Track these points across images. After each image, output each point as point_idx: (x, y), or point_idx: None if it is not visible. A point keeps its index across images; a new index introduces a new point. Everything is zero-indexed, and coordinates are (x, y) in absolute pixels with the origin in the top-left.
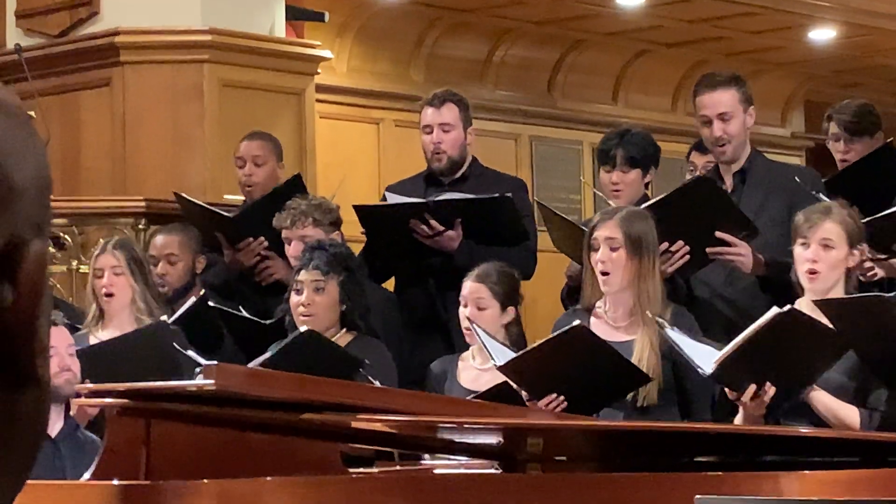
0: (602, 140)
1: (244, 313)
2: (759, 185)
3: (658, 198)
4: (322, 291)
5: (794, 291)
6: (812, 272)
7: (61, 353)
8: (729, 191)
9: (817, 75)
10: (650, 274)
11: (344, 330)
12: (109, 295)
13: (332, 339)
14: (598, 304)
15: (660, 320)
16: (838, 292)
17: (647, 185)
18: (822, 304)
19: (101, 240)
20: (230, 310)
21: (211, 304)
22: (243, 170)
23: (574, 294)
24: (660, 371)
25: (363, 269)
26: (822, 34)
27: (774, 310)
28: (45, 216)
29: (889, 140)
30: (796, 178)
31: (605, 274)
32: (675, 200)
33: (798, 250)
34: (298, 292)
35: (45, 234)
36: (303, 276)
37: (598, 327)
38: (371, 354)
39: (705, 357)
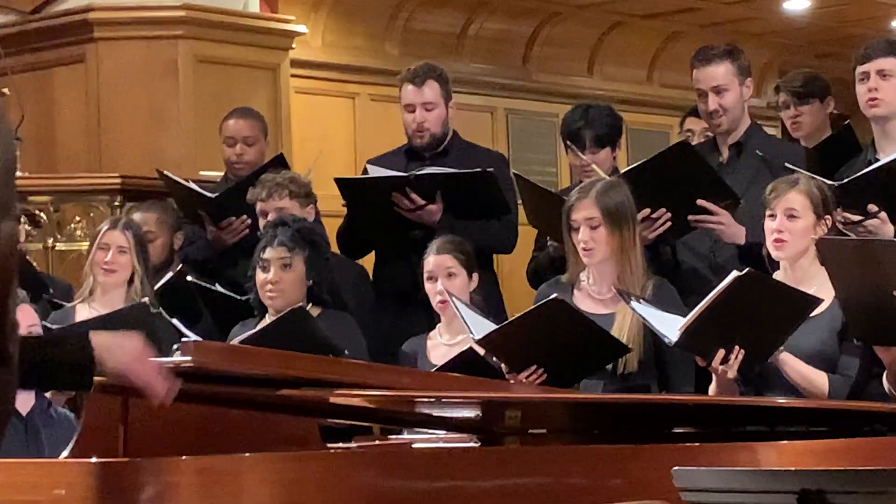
0: (566, 120)
1: (220, 289)
2: (754, 159)
3: (638, 163)
4: (289, 268)
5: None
6: (778, 240)
7: (24, 331)
8: (724, 162)
9: (792, 46)
10: (631, 246)
11: (311, 305)
12: (108, 271)
13: None
14: (582, 276)
15: (625, 293)
16: (808, 260)
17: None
18: (820, 244)
19: (105, 221)
20: (207, 285)
21: (189, 278)
22: (233, 149)
23: (539, 275)
24: (640, 341)
25: (326, 243)
26: (797, 4)
27: (734, 273)
28: (11, 197)
29: (846, 122)
30: (786, 164)
31: (587, 251)
32: (656, 166)
33: (766, 222)
34: (265, 269)
35: (13, 216)
36: (269, 253)
37: (581, 301)
38: (340, 328)
39: (671, 326)
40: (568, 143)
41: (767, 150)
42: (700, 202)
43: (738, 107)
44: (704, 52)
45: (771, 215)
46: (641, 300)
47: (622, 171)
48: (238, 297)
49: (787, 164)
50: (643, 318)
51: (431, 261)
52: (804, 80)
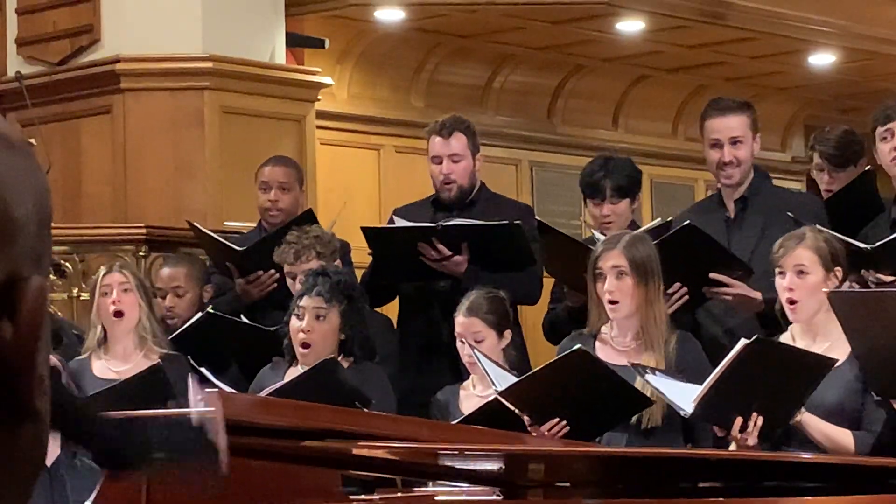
0: (585, 172)
1: (246, 321)
2: (761, 212)
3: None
4: (323, 319)
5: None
6: (791, 301)
7: None
8: (731, 217)
9: (817, 100)
10: (656, 298)
11: (342, 357)
12: (118, 314)
13: None
14: (604, 329)
15: (639, 367)
16: (823, 315)
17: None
18: (833, 297)
19: (101, 266)
20: (233, 318)
21: (213, 311)
22: (267, 195)
23: (556, 328)
24: None
25: (365, 298)
26: (822, 59)
27: (742, 342)
28: (45, 250)
29: (867, 168)
30: (789, 213)
31: (612, 303)
32: (664, 247)
33: (777, 280)
34: (299, 317)
35: (45, 269)
36: (305, 301)
37: (603, 352)
38: (370, 380)
39: (687, 397)
40: (586, 194)
41: (777, 202)
42: (713, 275)
43: (749, 161)
44: (721, 103)
45: (780, 272)
46: (657, 372)
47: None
48: (266, 329)
49: (789, 214)
50: (658, 391)
51: (460, 322)
52: (839, 145)
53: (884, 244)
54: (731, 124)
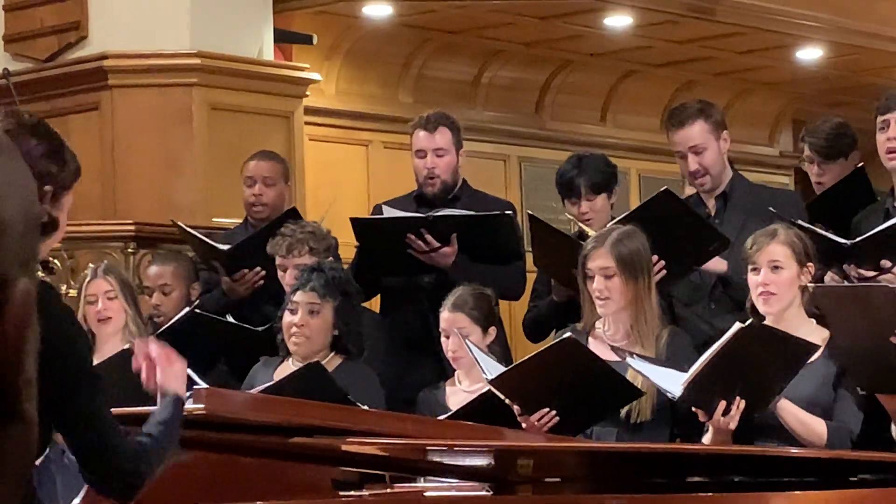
0: (559, 173)
1: (232, 320)
2: (740, 208)
3: (623, 215)
4: (316, 314)
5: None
6: (765, 294)
7: None
8: (712, 214)
9: (805, 94)
10: (646, 295)
11: (333, 353)
12: (103, 320)
13: (322, 363)
14: (598, 324)
15: (622, 351)
16: (794, 310)
17: (612, 206)
18: (818, 292)
19: (90, 264)
20: (219, 318)
21: (199, 311)
22: (252, 189)
23: (538, 324)
24: (655, 389)
25: (360, 295)
26: (809, 53)
27: (737, 325)
28: (32, 253)
29: (859, 164)
30: (771, 208)
31: (602, 300)
32: (641, 216)
33: (750, 276)
34: (293, 312)
35: (32, 271)
36: (299, 296)
37: (596, 348)
38: (359, 380)
39: (672, 381)
40: (563, 195)
41: (755, 199)
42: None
43: (718, 163)
44: (677, 115)
45: (754, 269)
46: (636, 356)
47: (609, 223)
48: (253, 329)
49: (771, 209)
50: (643, 375)
51: (445, 317)
52: (829, 138)
53: (864, 239)
54: (689, 134)
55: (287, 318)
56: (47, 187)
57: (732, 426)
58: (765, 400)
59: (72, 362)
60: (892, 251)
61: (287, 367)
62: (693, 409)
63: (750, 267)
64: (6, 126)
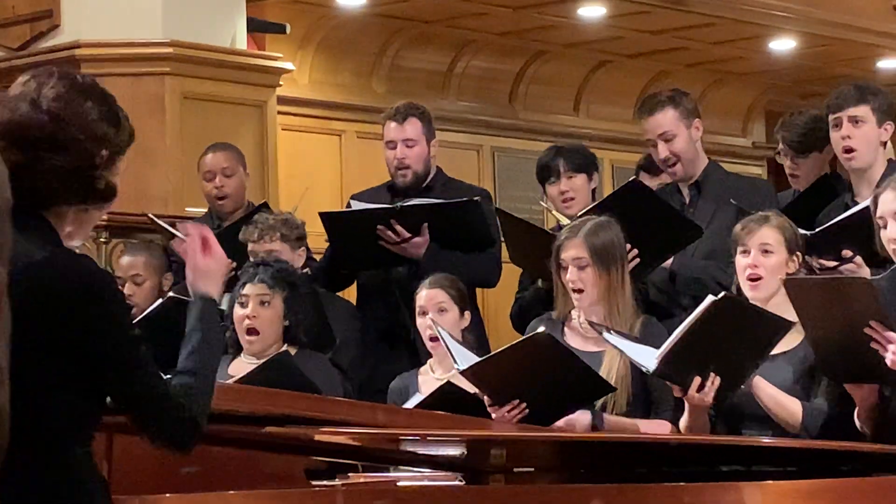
0: (539, 159)
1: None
2: (714, 197)
3: (592, 205)
4: (267, 305)
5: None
6: (753, 278)
7: None
8: (686, 203)
9: (778, 85)
10: (620, 285)
11: (286, 345)
12: None
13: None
14: (573, 313)
15: (598, 326)
16: (778, 299)
17: (593, 193)
18: (788, 284)
19: None
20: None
21: (174, 294)
22: (213, 182)
23: (524, 314)
24: (629, 381)
25: (307, 286)
26: (783, 44)
27: (710, 298)
28: (3, 241)
29: (828, 171)
30: (732, 200)
31: (577, 291)
32: (611, 206)
33: (738, 259)
34: (243, 305)
35: (4, 261)
36: (248, 289)
37: (572, 338)
38: (314, 369)
39: (648, 356)
40: (544, 179)
41: (729, 188)
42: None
43: (689, 150)
44: (647, 102)
45: (744, 251)
46: (613, 332)
47: (578, 214)
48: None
49: (731, 201)
50: (619, 350)
51: (423, 295)
52: (803, 133)
53: (822, 230)
54: (659, 122)
55: (238, 311)
56: (104, 151)
57: (708, 401)
58: (740, 376)
59: (111, 324)
60: (851, 241)
61: (240, 364)
62: (668, 383)
63: (739, 250)
64: (60, 88)
